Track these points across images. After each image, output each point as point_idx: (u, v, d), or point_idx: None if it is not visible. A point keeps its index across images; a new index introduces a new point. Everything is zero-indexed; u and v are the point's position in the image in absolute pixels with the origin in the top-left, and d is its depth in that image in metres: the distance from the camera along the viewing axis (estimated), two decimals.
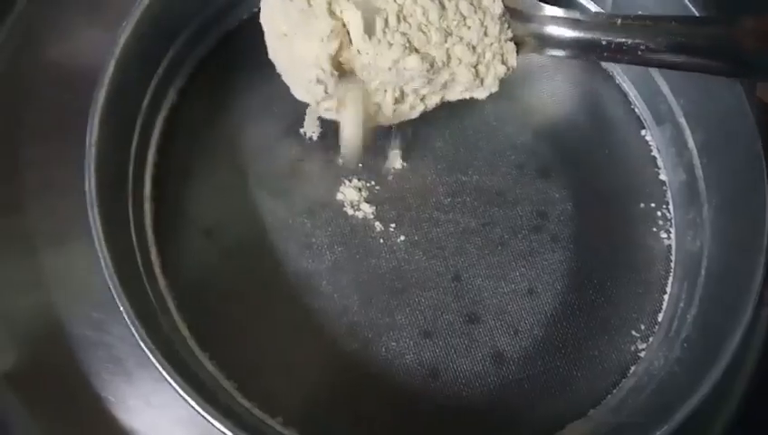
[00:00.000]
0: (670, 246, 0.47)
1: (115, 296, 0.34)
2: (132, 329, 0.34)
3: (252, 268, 0.43)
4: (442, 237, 0.45)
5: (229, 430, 0.33)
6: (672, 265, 0.46)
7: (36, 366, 0.41)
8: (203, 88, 0.47)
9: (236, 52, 0.48)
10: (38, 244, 0.42)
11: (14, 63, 0.46)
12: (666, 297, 0.46)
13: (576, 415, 0.42)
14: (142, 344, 0.34)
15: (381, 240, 0.45)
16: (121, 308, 0.34)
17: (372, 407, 0.41)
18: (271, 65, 0.43)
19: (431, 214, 0.46)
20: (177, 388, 0.33)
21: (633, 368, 0.43)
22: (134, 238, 0.40)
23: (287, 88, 0.43)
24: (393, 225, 0.45)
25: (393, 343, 0.42)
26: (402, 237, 0.45)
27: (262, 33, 0.42)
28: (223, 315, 0.42)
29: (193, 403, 0.33)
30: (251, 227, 0.44)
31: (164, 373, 0.33)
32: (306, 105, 0.44)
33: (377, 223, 0.45)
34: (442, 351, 0.42)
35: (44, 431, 0.39)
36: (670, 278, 0.46)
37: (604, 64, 0.52)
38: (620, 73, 0.51)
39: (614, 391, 0.43)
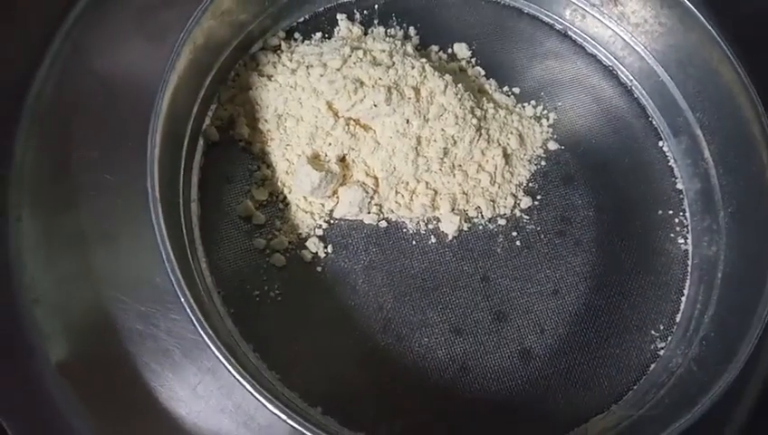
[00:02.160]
0: (687, 250, 0.49)
1: (177, 290, 0.37)
2: (194, 321, 0.36)
3: (291, 267, 0.45)
4: (471, 240, 0.48)
5: (286, 415, 0.35)
6: (689, 268, 0.49)
7: (88, 356, 0.43)
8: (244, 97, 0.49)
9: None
10: (89, 241, 0.45)
11: (66, 72, 0.49)
12: (683, 299, 0.48)
13: (599, 410, 0.44)
14: (204, 337, 0.36)
15: (414, 242, 0.47)
16: (183, 301, 0.36)
17: (405, 398, 0.43)
18: None
19: None
20: (236, 374, 0.35)
21: (653, 365, 0.46)
22: (185, 237, 0.42)
23: None
24: (424, 227, 0.47)
25: (426, 339, 0.44)
26: (433, 239, 0.47)
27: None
28: (264, 310, 0.44)
29: (249, 388, 0.35)
30: (291, 228, 0.46)
31: (224, 362, 0.36)
32: None
33: (409, 225, 0.47)
34: (472, 347, 0.45)
35: (96, 417, 0.41)
36: (687, 281, 0.48)
37: (623, 78, 0.54)
38: (639, 87, 0.54)
39: (635, 387, 0.45)
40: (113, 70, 0.49)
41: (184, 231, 0.43)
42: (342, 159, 0.46)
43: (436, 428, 0.42)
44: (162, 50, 0.45)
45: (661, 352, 0.46)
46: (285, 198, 0.47)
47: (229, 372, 0.36)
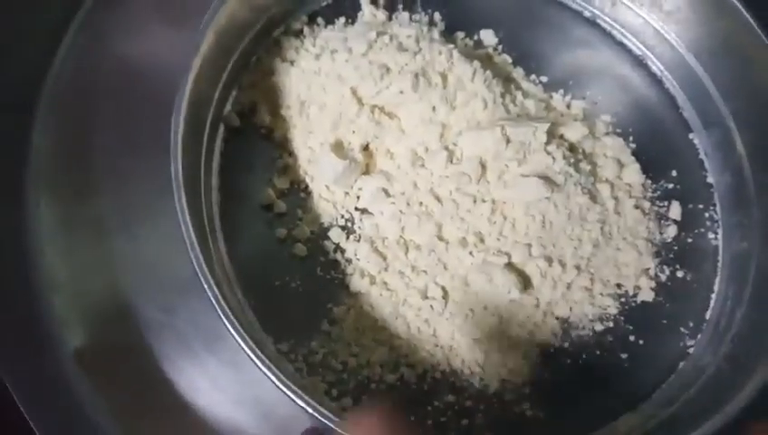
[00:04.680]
0: (717, 246, 0.48)
1: (202, 280, 0.36)
2: (219, 312, 0.35)
3: (313, 257, 0.44)
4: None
5: (312, 408, 0.34)
6: (719, 264, 0.47)
7: (107, 345, 0.42)
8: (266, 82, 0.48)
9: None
10: (109, 228, 0.44)
11: (84, 57, 0.48)
12: (713, 296, 0.47)
13: (627, 408, 0.43)
14: (229, 327, 0.35)
15: None
16: (208, 292, 0.35)
17: (433, 394, 0.42)
18: None
19: None
20: (263, 368, 0.34)
21: (682, 364, 0.45)
22: (206, 225, 0.41)
23: None
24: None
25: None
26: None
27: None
28: (285, 301, 0.43)
29: (275, 380, 0.34)
30: (313, 218, 0.45)
31: (249, 353, 0.35)
32: None
33: None
34: None
35: (112, 407, 0.40)
36: (717, 277, 0.47)
37: (653, 69, 0.53)
38: (669, 77, 0.52)
39: (663, 385, 0.44)
40: (133, 54, 0.48)
41: (205, 219, 0.42)
42: (366, 148, 0.45)
43: (464, 424, 0.41)
44: (182, 34, 0.44)
45: (691, 350, 0.45)
46: (307, 186, 0.46)
47: (255, 364, 0.35)
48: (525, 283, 0.43)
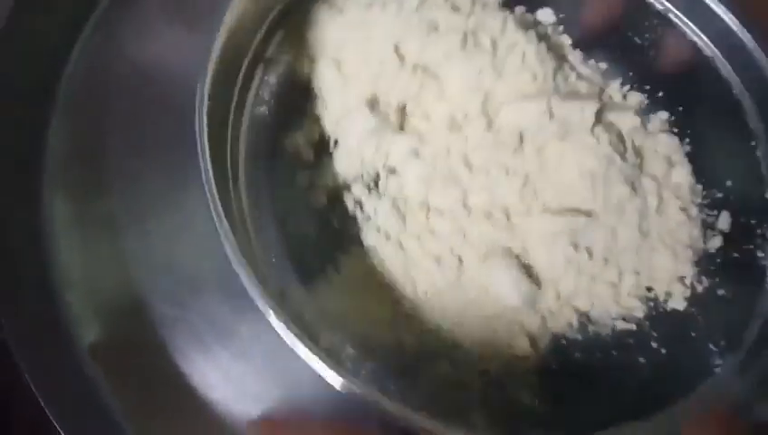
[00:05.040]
0: (765, 266, 0.44)
1: (218, 224, 0.35)
2: (229, 252, 0.35)
3: (330, 212, 0.43)
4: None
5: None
6: (765, 285, 0.44)
7: (120, 340, 0.41)
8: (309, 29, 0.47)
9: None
10: (121, 225, 0.43)
11: (97, 57, 0.47)
12: (753, 317, 0.43)
13: (634, 416, 0.39)
14: (237, 265, 0.34)
15: None
16: (222, 234, 0.35)
17: (432, 362, 0.40)
18: None
19: None
20: (260, 305, 0.34)
21: (705, 382, 0.41)
22: (229, 171, 0.41)
23: None
24: None
25: None
26: None
27: None
28: (297, 251, 0.42)
29: (274, 321, 0.34)
30: (339, 170, 0.44)
31: (252, 293, 0.34)
32: None
33: None
34: None
35: (126, 401, 0.39)
36: (760, 298, 0.43)
37: (723, 71, 0.49)
38: (739, 84, 0.49)
39: (680, 401, 0.40)
40: (146, 55, 0.47)
41: (228, 162, 0.41)
42: (402, 107, 0.44)
43: (456, 399, 0.39)
44: (195, 35, 0.43)
45: (717, 370, 0.41)
46: (337, 139, 0.44)
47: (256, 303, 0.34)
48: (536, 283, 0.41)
